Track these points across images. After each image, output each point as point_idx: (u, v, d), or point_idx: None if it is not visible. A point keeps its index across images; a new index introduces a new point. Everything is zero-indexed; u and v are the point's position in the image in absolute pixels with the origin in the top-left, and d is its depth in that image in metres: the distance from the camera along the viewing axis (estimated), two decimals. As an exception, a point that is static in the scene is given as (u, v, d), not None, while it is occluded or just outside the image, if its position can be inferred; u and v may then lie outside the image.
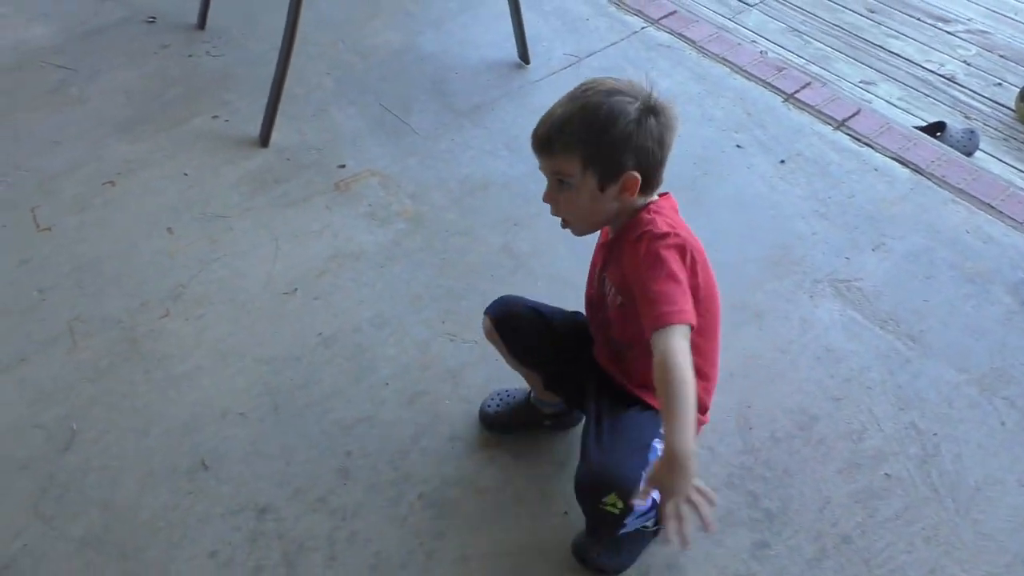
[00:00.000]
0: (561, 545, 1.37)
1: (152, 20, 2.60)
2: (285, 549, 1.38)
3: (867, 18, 3.41)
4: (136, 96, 2.33)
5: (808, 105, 2.23)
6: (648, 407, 1.28)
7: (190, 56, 2.47)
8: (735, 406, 1.59)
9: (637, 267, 1.15)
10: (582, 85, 1.18)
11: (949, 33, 3.35)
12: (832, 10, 3.44)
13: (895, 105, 2.92)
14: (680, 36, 2.48)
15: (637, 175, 1.16)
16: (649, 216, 1.20)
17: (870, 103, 2.73)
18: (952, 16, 3.44)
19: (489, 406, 1.56)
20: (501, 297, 1.43)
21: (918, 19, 3.43)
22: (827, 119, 2.20)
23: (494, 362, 1.63)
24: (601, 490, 1.15)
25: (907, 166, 2.08)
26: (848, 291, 1.79)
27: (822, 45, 3.23)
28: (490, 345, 1.45)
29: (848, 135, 2.16)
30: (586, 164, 1.16)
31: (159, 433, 1.56)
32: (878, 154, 2.11)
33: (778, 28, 3.33)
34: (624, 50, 2.43)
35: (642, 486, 1.06)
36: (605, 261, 1.31)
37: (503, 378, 1.57)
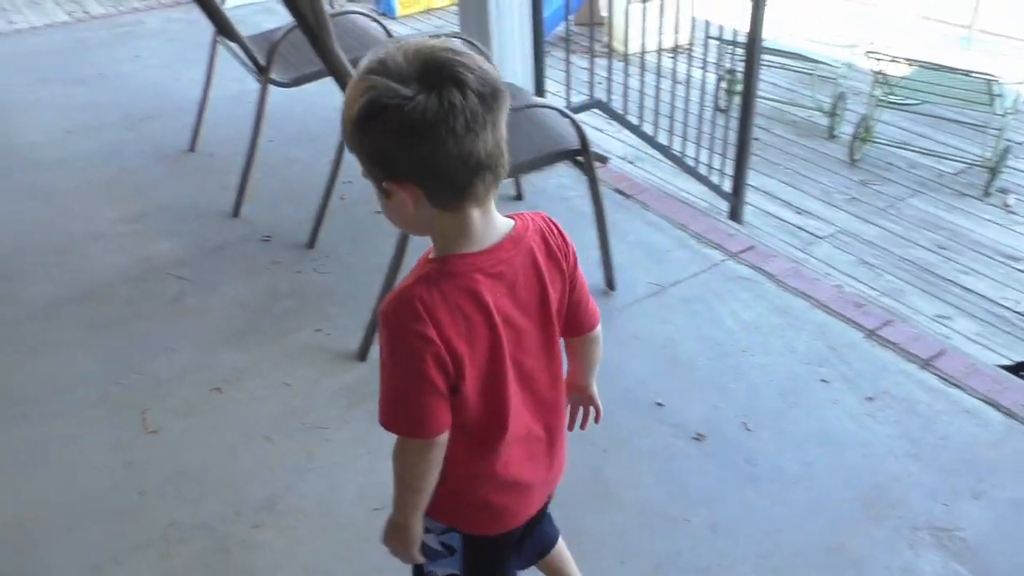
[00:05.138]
0: None
1: (267, 239, 2.85)
2: None
3: (937, 254, 3.53)
4: (248, 308, 2.51)
5: (891, 342, 2.27)
6: None
7: (298, 272, 2.68)
8: (840, 663, 1.51)
9: None
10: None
11: (1021, 271, 3.42)
12: (902, 245, 3.57)
13: (974, 341, 2.95)
14: (759, 269, 2.59)
15: None
16: None
17: (950, 339, 2.76)
18: (1022, 255, 3.53)
19: None
20: None
21: (988, 256, 3.52)
22: (912, 357, 2.22)
23: None
24: None
25: (999, 409, 2.06)
26: (950, 542, 1.73)
27: (894, 278, 3.33)
28: None
29: (935, 375, 2.17)
30: None
31: (245, 654, 1.54)
32: (968, 396, 2.10)
33: (848, 260, 3.46)
34: (706, 281, 2.55)
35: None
36: None
37: None
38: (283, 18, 4.89)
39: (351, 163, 2.82)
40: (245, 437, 2.05)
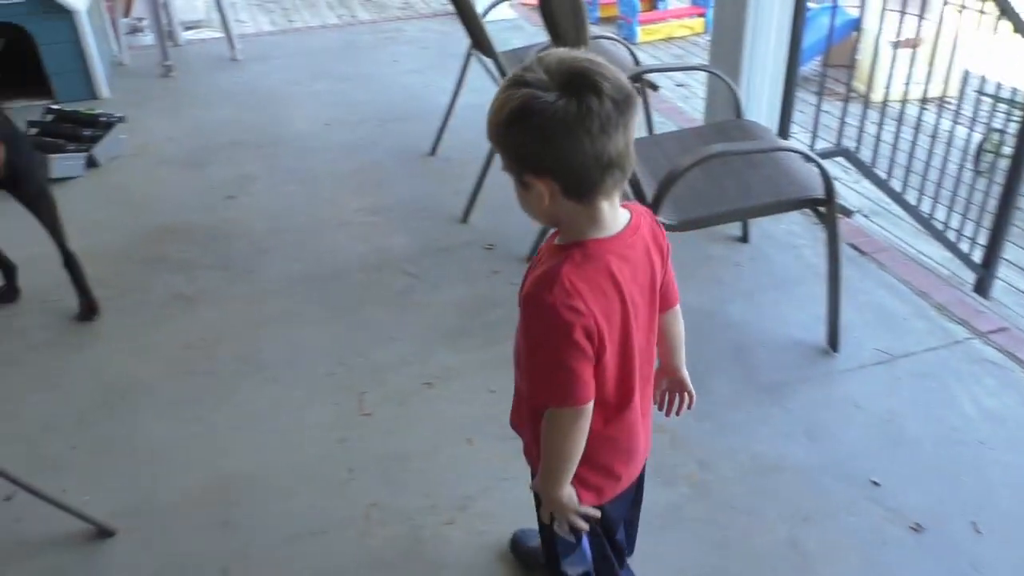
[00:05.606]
0: None
1: (490, 247, 2.97)
2: None
3: None
4: (464, 312, 2.62)
5: None
6: None
7: (514, 284, 2.70)
8: None
9: None
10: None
11: None
12: None
13: None
14: (1011, 355, 2.33)
15: None
16: None
17: None
18: None
19: None
20: None
21: None
22: None
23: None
24: None
25: None
26: None
27: None
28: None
29: None
30: None
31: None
32: None
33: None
34: (944, 358, 2.33)
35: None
36: None
37: None
38: (530, 36, 5.09)
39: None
40: (448, 434, 2.14)
